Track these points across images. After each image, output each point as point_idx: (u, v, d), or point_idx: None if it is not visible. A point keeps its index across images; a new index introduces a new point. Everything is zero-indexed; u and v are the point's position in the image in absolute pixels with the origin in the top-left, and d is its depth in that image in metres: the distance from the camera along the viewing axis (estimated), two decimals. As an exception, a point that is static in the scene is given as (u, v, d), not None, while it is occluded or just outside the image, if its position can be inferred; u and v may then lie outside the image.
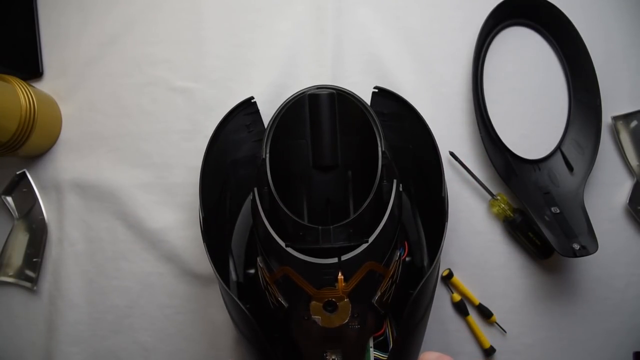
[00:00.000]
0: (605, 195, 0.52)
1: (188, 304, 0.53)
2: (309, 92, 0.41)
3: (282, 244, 0.36)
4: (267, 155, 0.38)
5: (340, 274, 0.34)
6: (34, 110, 0.50)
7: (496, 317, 0.51)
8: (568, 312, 0.51)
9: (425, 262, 0.44)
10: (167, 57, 0.55)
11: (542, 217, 0.48)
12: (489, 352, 0.50)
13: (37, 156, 0.55)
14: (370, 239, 0.35)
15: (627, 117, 0.52)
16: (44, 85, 0.56)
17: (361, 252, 0.35)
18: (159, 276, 0.53)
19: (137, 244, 0.53)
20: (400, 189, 0.39)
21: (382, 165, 0.38)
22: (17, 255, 0.54)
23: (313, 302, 0.35)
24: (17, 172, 0.54)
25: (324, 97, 0.41)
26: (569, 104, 0.53)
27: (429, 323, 0.44)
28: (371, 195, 0.37)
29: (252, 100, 0.47)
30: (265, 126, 0.42)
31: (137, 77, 0.55)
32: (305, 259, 0.35)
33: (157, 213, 0.53)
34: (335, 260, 0.35)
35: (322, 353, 0.37)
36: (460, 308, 0.51)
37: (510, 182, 0.50)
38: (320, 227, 0.36)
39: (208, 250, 0.40)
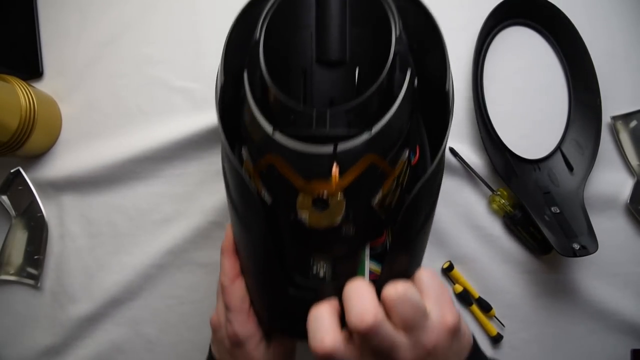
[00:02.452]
0: (605, 195, 0.52)
1: (191, 295, 0.53)
2: None
3: (270, 128, 0.29)
4: (262, 36, 0.32)
5: (335, 165, 0.29)
6: (34, 110, 0.50)
7: (495, 311, 0.51)
8: (567, 308, 0.52)
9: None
10: (166, 57, 0.55)
11: (542, 216, 0.48)
12: (496, 339, 0.51)
13: (37, 156, 0.55)
14: (374, 130, 0.29)
15: (627, 117, 0.52)
16: (44, 85, 0.56)
17: (362, 143, 0.29)
18: (161, 268, 0.53)
19: (138, 237, 0.54)
20: (415, 82, 0.33)
21: (395, 53, 0.30)
22: (16, 253, 0.54)
23: (300, 197, 0.29)
24: (11, 170, 0.54)
25: None
26: (569, 104, 0.53)
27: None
28: (379, 81, 0.29)
29: None
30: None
31: (137, 77, 0.55)
32: (295, 146, 0.29)
33: (157, 205, 0.53)
34: (330, 149, 0.28)
35: (309, 259, 0.32)
36: (464, 298, 0.51)
37: (510, 182, 0.50)
38: (315, 110, 0.29)
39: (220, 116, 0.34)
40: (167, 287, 0.53)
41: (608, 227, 0.51)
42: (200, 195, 0.53)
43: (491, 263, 0.52)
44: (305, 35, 0.34)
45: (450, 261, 0.52)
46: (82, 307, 0.54)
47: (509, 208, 0.50)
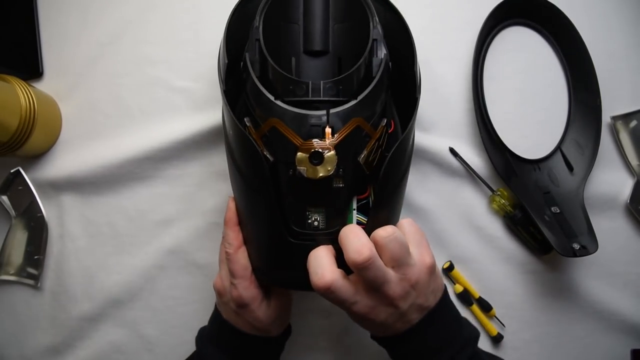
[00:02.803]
0: (605, 195, 0.52)
1: (191, 295, 0.53)
2: None
3: (271, 97, 0.36)
4: (261, 23, 0.38)
5: (328, 126, 0.35)
6: (34, 110, 0.50)
7: (495, 311, 0.51)
8: (567, 308, 0.52)
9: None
10: (166, 57, 0.55)
11: (542, 216, 0.48)
12: (496, 339, 0.51)
13: (37, 156, 0.55)
14: (359, 97, 0.36)
15: (627, 117, 0.52)
16: (44, 85, 0.56)
17: (350, 107, 0.36)
18: (162, 269, 0.53)
19: (139, 238, 0.53)
20: (390, 64, 0.40)
21: (373, 39, 0.38)
22: (17, 253, 0.54)
23: (299, 153, 0.35)
24: (11, 170, 0.54)
25: None
26: (569, 104, 0.53)
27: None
28: (361, 60, 0.37)
29: None
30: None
31: (137, 77, 0.55)
32: (294, 110, 0.35)
33: (157, 205, 0.53)
34: (323, 112, 0.35)
35: (305, 211, 0.37)
36: (464, 298, 0.51)
37: (510, 182, 0.50)
38: (310, 82, 0.36)
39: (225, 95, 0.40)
40: (167, 287, 0.53)
41: (608, 227, 0.51)
42: (201, 195, 0.53)
43: (491, 263, 0.52)
44: (294, 29, 0.41)
45: (450, 261, 0.52)
46: (81, 308, 0.54)
47: (509, 208, 0.50)
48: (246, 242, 0.41)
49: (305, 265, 0.36)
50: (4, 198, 0.55)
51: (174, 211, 0.53)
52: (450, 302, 0.40)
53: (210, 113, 0.52)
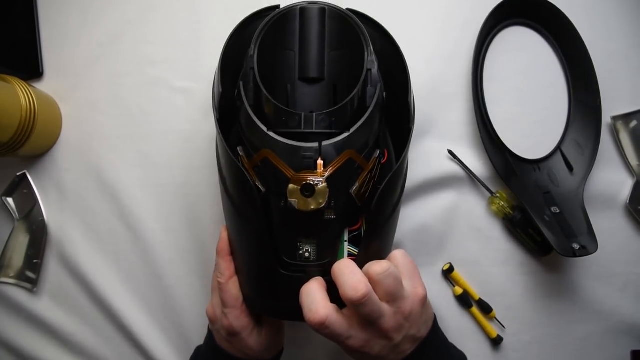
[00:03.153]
0: (605, 195, 0.52)
1: (190, 306, 0.53)
2: (301, 6, 0.42)
3: (264, 128, 0.36)
4: (256, 52, 0.38)
5: (320, 159, 0.35)
6: (34, 110, 0.50)
7: (495, 313, 0.51)
8: (567, 310, 0.52)
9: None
10: (166, 57, 0.55)
11: (542, 217, 0.48)
12: (496, 341, 0.51)
13: (38, 156, 0.55)
14: (352, 130, 0.36)
15: (627, 117, 0.52)
16: (44, 85, 0.56)
17: (342, 140, 0.36)
18: (159, 278, 0.53)
19: (138, 245, 0.53)
20: (384, 95, 0.40)
21: (367, 70, 0.38)
22: (17, 256, 0.54)
23: (291, 185, 0.35)
24: (18, 174, 0.54)
25: (315, 10, 0.41)
26: (569, 104, 0.53)
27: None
28: (355, 91, 0.37)
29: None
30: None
31: (137, 77, 0.55)
32: (286, 142, 0.35)
33: (157, 213, 0.53)
34: (316, 145, 0.35)
35: (296, 243, 0.37)
36: (464, 300, 0.51)
37: (510, 182, 0.50)
38: (302, 113, 0.36)
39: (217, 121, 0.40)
40: (165, 297, 0.53)
41: (608, 227, 0.51)
42: (201, 205, 0.53)
43: (491, 265, 0.52)
44: (290, 56, 0.41)
45: (450, 263, 0.51)
46: (80, 314, 0.54)
47: (508, 210, 0.50)
48: (237, 271, 0.41)
49: (295, 296, 0.36)
50: (9, 200, 0.55)
51: (175, 220, 0.53)
52: (440, 329, 0.41)
53: (211, 113, 0.52)
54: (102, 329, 0.54)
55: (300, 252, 0.38)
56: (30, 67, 0.56)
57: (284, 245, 0.38)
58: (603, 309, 0.51)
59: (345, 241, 0.39)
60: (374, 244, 0.39)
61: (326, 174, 0.35)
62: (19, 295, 0.54)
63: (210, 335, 0.45)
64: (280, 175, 0.35)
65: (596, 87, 0.51)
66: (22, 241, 0.54)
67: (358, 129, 0.36)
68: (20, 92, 0.50)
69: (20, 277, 0.54)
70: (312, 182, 0.35)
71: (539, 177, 0.52)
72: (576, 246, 0.46)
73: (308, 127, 0.36)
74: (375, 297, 0.34)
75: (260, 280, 0.40)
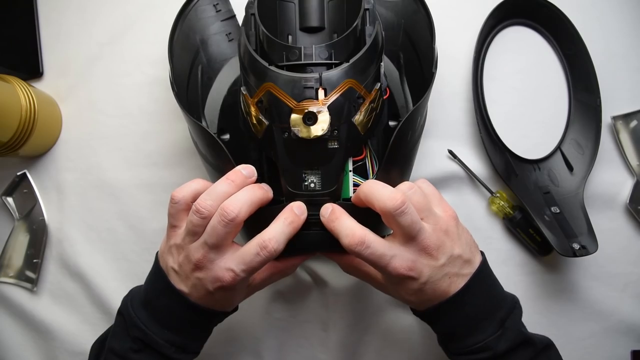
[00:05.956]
0: (605, 195, 0.52)
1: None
2: None
3: (266, 63, 0.37)
4: (256, 1, 0.40)
5: (320, 88, 0.36)
6: (34, 110, 0.50)
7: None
8: (567, 310, 0.51)
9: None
10: (166, 57, 0.54)
11: (542, 216, 0.48)
12: None
13: (38, 156, 0.55)
14: (352, 60, 0.37)
15: (627, 117, 0.52)
16: (44, 85, 0.56)
17: (342, 69, 0.36)
18: None
19: (138, 245, 0.53)
20: (382, 33, 0.41)
21: (365, 9, 0.39)
22: (17, 256, 0.54)
23: (293, 115, 0.36)
24: (18, 173, 0.54)
25: None
26: (569, 104, 0.53)
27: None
28: (353, 25, 0.38)
29: None
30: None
31: (137, 77, 0.55)
32: (287, 74, 0.36)
33: (158, 213, 0.53)
34: (316, 74, 0.36)
35: (300, 174, 0.38)
36: None
37: (510, 182, 0.50)
38: (302, 46, 0.38)
39: (181, 104, 0.42)
40: None
41: (608, 227, 0.51)
42: None
43: (491, 265, 0.51)
44: (289, 7, 0.42)
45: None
46: (79, 314, 0.54)
47: (508, 210, 0.50)
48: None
49: (309, 221, 0.37)
50: (9, 200, 0.55)
51: None
52: (488, 266, 0.40)
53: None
54: (102, 329, 0.54)
55: (306, 183, 0.38)
56: (30, 67, 0.56)
57: (289, 177, 0.38)
58: (603, 309, 0.51)
59: (350, 171, 0.39)
60: (394, 169, 0.40)
61: (328, 102, 0.36)
62: (19, 295, 0.54)
63: (159, 276, 0.38)
64: (282, 106, 0.36)
65: (596, 87, 0.51)
66: (22, 241, 0.54)
67: (357, 60, 0.37)
68: (20, 92, 0.50)
69: (20, 276, 0.54)
70: (313, 110, 0.35)
71: (539, 177, 0.52)
72: (576, 246, 0.46)
73: (308, 59, 0.37)
74: (412, 208, 0.34)
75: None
